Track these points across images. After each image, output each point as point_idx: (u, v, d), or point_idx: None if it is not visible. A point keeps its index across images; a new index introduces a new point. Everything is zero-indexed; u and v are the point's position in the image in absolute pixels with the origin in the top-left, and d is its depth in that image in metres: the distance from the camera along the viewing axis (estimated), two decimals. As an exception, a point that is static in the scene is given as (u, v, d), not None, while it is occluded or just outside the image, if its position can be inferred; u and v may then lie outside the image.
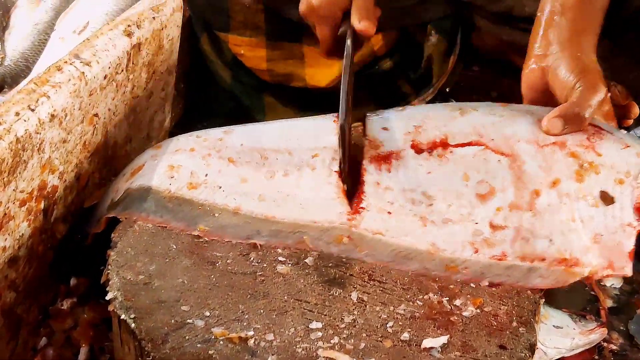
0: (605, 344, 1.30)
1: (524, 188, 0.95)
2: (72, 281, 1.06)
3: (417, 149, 0.99)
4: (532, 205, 0.95)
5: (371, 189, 0.97)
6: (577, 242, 0.93)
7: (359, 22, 1.08)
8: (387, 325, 0.86)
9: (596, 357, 1.28)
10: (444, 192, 0.96)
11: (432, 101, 1.42)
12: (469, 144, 0.99)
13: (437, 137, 1.00)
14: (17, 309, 0.98)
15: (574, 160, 0.97)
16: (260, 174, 1.00)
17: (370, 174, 0.98)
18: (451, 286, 0.92)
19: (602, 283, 1.43)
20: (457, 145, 0.99)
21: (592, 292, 1.41)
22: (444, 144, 0.99)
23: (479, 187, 0.96)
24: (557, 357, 1.25)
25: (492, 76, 1.45)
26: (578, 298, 1.40)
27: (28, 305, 1.00)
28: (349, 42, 1.07)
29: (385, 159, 0.98)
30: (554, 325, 1.27)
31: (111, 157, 1.11)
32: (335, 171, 0.99)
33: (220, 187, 0.98)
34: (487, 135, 0.99)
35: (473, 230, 0.94)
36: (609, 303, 1.40)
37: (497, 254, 0.93)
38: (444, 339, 0.84)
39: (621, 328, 1.35)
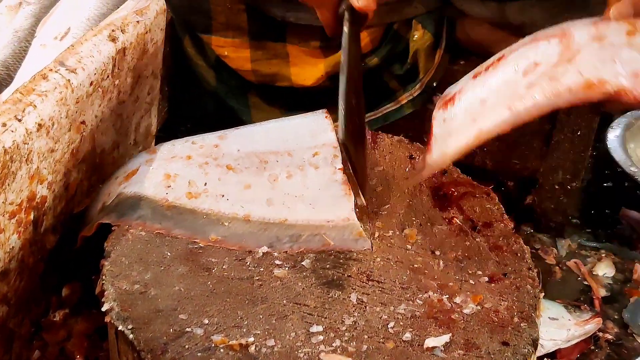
0: (600, 334, 1.30)
1: (567, 48, 0.89)
2: (64, 291, 1.05)
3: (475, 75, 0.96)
4: (569, 49, 0.89)
5: None
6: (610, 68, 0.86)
7: (357, 1, 1.05)
8: (389, 326, 0.85)
9: (592, 347, 1.29)
10: (498, 93, 0.91)
11: (419, 96, 1.41)
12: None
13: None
14: (9, 323, 0.96)
15: (628, 26, 0.89)
16: (263, 179, 0.99)
17: None
18: (450, 284, 0.91)
19: (594, 273, 1.44)
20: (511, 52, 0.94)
21: (585, 282, 1.42)
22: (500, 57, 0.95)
23: (526, 66, 0.90)
24: (554, 348, 1.25)
25: (478, 69, 1.44)
26: (571, 289, 1.41)
27: (20, 319, 0.98)
28: (345, 29, 1.06)
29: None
30: (549, 317, 1.27)
31: (99, 164, 1.09)
32: (339, 168, 0.99)
33: (223, 196, 0.97)
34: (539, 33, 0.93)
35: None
36: (602, 292, 1.40)
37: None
38: (446, 338, 0.84)
39: (615, 317, 1.35)
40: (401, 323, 0.86)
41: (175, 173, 0.99)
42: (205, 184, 0.98)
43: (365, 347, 0.82)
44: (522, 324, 0.86)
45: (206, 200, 0.97)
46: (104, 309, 0.85)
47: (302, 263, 0.92)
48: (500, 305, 0.89)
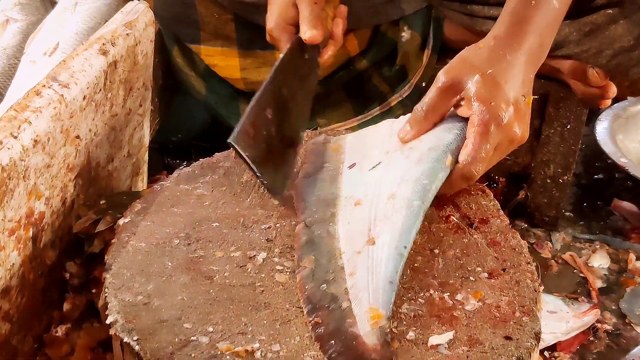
0: (599, 325, 1.31)
1: None
2: (65, 306, 1.05)
3: None
4: None
5: None
6: None
7: (305, 33, 1.13)
8: (392, 326, 0.85)
9: (591, 338, 1.30)
10: None
11: (409, 97, 1.42)
12: None
13: None
14: (12, 340, 0.96)
15: None
16: None
17: None
18: (451, 281, 0.91)
19: (590, 265, 1.45)
20: None
21: (581, 275, 1.43)
22: None
23: None
24: (554, 341, 1.26)
25: (466, 67, 1.45)
26: (568, 282, 1.42)
27: (23, 335, 0.98)
28: (281, 55, 1.12)
29: None
30: (548, 311, 1.28)
31: (94, 177, 1.09)
32: None
33: None
34: None
35: None
36: (598, 284, 1.41)
37: None
38: (449, 335, 0.84)
39: (613, 307, 1.37)
40: (404, 322, 0.86)
41: None
42: None
43: (370, 347, 0.83)
44: (523, 318, 0.87)
45: None
46: (108, 321, 0.85)
47: (303, 267, 0.92)
48: (501, 300, 0.89)
